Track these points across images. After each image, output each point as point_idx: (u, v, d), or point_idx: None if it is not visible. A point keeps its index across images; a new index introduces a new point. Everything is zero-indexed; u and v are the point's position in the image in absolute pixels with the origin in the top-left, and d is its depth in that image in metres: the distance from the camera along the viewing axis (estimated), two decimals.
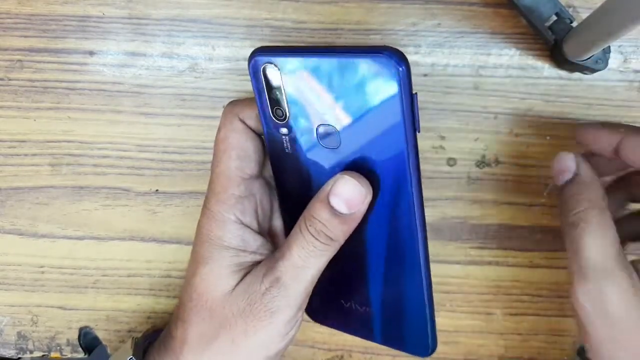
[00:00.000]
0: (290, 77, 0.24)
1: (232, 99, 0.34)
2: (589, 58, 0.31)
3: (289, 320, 0.26)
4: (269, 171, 0.29)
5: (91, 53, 0.34)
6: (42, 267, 0.36)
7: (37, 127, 0.35)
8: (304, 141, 0.25)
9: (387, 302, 0.28)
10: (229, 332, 0.26)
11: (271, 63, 0.24)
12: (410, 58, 0.33)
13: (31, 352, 0.37)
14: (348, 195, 0.25)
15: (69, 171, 0.35)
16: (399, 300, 0.28)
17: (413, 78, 0.33)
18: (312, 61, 0.23)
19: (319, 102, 0.24)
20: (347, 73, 0.22)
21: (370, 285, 0.28)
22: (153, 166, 0.35)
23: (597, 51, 0.30)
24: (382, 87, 0.22)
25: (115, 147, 0.35)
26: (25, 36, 0.34)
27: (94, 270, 0.36)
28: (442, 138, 0.34)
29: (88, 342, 0.36)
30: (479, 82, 0.33)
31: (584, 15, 0.32)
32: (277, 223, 0.30)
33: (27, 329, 0.37)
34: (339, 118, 0.24)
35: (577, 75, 0.33)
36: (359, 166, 0.25)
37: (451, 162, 0.34)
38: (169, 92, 0.34)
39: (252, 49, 0.24)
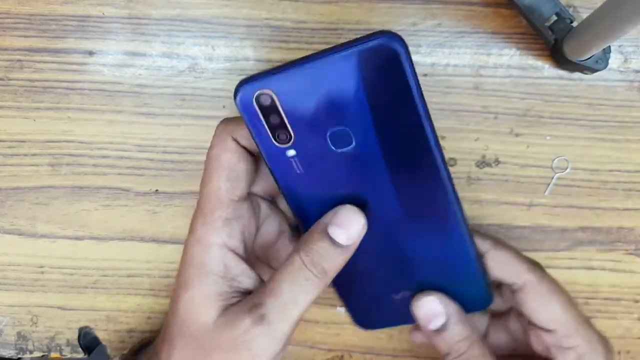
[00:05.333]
0: (287, 96, 0.23)
1: (232, 99, 0.34)
2: (589, 58, 0.31)
3: (272, 357, 0.25)
4: (261, 188, 0.28)
5: (91, 53, 0.34)
6: (41, 267, 0.36)
7: (36, 127, 0.35)
8: (316, 153, 0.24)
9: (436, 275, 0.28)
10: None
11: (262, 89, 0.23)
12: None
13: (31, 352, 0.37)
14: (348, 226, 0.25)
15: (69, 171, 0.35)
16: (447, 267, 0.28)
17: None
18: (306, 70, 0.22)
19: (323, 109, 0.23)
20: (347, 68, 0.22)
21: (416, 266, 0.28)
22: (153, 166, 0.35)
23: (597, 51, 0.30)
24: (387, 69, 0.22)
25: (115, 147, 0.35)
26: (25, 36, 0.34)
27: (94, 271, 0.36)
28: (443, 138, 0.34)
29: (88, 342, 0.36)
30: (479, 82, 0.33)
31: (584, 15, 0.32)
32: (259, 245, 0.30)
33: (27, 329, 0.36)
34: (349, 116, 0.23)
35: (577, 75, 0.33)
36: (378, 155, 0.24)
37: (451, 162, 0.34)
38: (169, 92, 0.34)
39: (238, 81, 0.23)
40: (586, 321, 0.28)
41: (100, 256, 0.36)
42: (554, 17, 0.31)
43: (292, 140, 0.24)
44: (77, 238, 0.36)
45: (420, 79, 0.33)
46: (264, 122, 0.24)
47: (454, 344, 0.27)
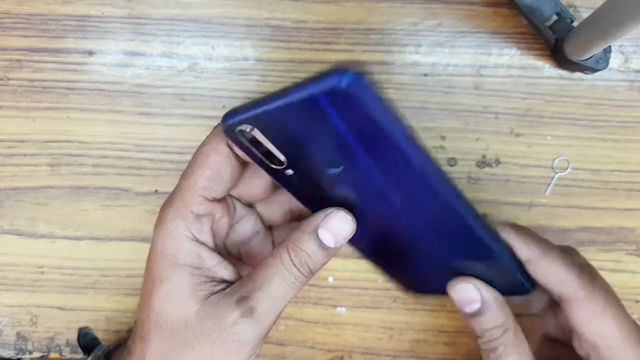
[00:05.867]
0: (267, 129, 0.23)
1: (232, 98, 0.34)
2: (589, 58, 0.31)
3: (256, 346, 0.26)
4: (239, 192, 0.28)
5: (90, 53, 0.34)
6: (41, 267, 0.36)
7: (36, 127, 0.35)
8: (311, 173, 0.25)
9: (470, 261, 0.28)
10: (191, 355, 0.25)
11: (243, 125, 0.23)
12: (411, 58, 0.33)
13: (30, 352, 0.37)
14: (338, 230, 0.25)
15: (68, 171, 0.35)
16: (476, 259, 0.27)
17: (414, 78, 0.33)
18: (274, 109, 0.22)
19: (303, 142, 0.23)
20: (307, 109, 0.21)
21: (449, 254, 0.28)
22: (152, 166, 0.35)
23: (597, 51, 0.30)
24: (347, 106, 0.21)
25: (115, 147, 0.35)
26: (25, 36, 0.34)
27: (94, 271, 0.36)
28: (443, 138, 0.34)
29: (87, 342, 0.36)
30: (480, 81, 0.33)
31: (585, 14, 0.32)
32: (231, 241, 0.30)
33: (27, 329, 0.36)
34: (329, 147, 0.23)
35: (577, 75, 0.33)
36: (369, 172, 0.24)
37: (452, 162, 0.34)
38: (169, 92, 0.34)
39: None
40: (637, 335, 0.26)
41: (100, 256, 0.36)
42: (555, 17, 0.31)
43: (285, 163, 0.24)
44: (77, 238, 0.36)
45: (421, 78, 0.33)
46: (255, 150, 0.24)
47: (487, 329, 0.27)
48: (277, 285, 0.25)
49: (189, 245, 0.26)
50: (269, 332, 0.26)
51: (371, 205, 0.26)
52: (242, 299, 0.25)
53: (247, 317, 0.25)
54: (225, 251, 0.30)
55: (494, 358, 0.27)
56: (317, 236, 0.25)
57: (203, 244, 0.26)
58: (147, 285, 0.27)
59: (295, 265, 0.25)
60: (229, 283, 0.27)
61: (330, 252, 0.26)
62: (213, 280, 0.26)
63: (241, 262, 0.30)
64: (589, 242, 0.34)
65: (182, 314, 0.25)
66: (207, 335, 0.25)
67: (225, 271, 0.27)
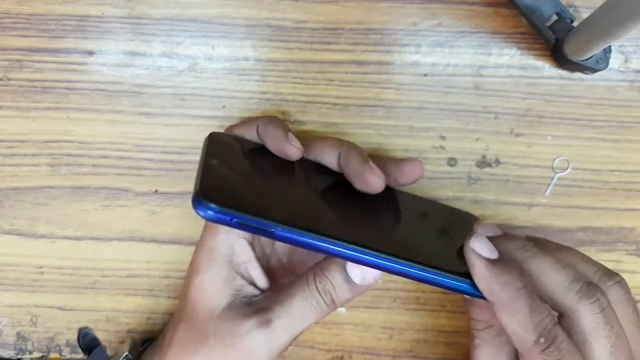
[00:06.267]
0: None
1: (232, 98, 0.34)
2: (589, 58, 0.31)
3: None
4: None
5: (90, 53, 0.34)
6: (41, 267, 0.36)
7: (36, 127, 0.35)
8: None
9: None
10: (207, 352, 0.26)
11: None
12: (411, 58, 0.33)
13: (30, 352, 0.37)
14: (366, 268, 0.25)
15: (68, 171, 0.35)
16: None
17: (414, 78, 0.33)
18: None
19: None
20: None
21: None
22: (152, 166, 0.35)
23: (597, 51, 0.30)
24: None
25: (115, 147, 0.35)
26: (25, 36, 0.34)
27: (94, 271, 0.36)
28: (443, 138, 0.34)
29: (87, 342, 0.36)
30: (480, 81, 0.33)
31: (585, 14, 0.32)
32: (281, 246, 0.30)
33: (27, 329, 0.36)
34: None
35: (577, 75, 0.33)
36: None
37: (452, 162, 0.34)
38: (169, 92, 0.34)
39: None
40: None
41: (100, 256, 0.36)
42: (555, 17, 0.31)
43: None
44: (77, 238, 0.36)
45: (421, 78, 0.33)
46: None
47: (473, 318, 0.28)
48: (297, 304, 0.25)
49: (225, 237, 0.27)
50: (281, 352, 0.26)
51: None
52: (262, 309, 0.25)
53: (262, 327, 0.25)
54: (278, 260, 0.30)
55: (472, 345, 0.28)
56: (345, 269, 0.25)
57: (241, 236, 0.27)
58: (187, 275, 0.28)
59: (318, 291, 0.25)
60: (260, 291, 0.27)
61: (356, 289, 0.25)
62: (243, 279, 0.27)
63: (292, 274, 0.30)
64: (589, 242, 0.34)
65: (210, 308, 0.26)
66: (224, 336, 0.25)
67: (255, 272, 0.27)
